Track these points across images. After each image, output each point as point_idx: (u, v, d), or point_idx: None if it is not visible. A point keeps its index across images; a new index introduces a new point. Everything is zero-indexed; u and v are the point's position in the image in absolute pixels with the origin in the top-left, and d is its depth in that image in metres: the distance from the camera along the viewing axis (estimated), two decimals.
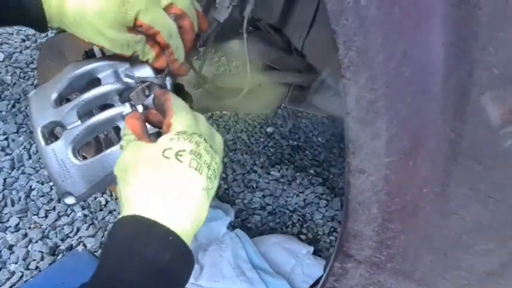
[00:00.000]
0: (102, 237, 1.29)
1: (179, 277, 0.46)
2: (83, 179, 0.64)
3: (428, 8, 0.33)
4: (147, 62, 0.69)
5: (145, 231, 0.44)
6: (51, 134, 0.68)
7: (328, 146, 1.83)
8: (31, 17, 0.59)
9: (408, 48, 0.34)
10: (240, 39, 1.23)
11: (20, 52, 1.81)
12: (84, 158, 0.97)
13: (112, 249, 0.45)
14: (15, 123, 1.51)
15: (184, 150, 0.48)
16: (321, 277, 1.28)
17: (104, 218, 1.34)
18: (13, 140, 1.46)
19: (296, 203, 1.56)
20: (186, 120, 0.53)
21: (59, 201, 1.35)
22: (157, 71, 0.70)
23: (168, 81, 0.73)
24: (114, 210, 1.36)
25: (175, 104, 0.56)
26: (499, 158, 0.36)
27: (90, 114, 0.75)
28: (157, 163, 0.47)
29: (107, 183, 0.66)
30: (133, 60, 0.72)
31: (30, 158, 1.44)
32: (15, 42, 1.84)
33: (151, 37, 0.65)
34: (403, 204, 0.42)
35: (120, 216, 0.47)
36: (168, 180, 0.47)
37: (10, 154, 1.43)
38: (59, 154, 0.64)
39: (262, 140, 1.78)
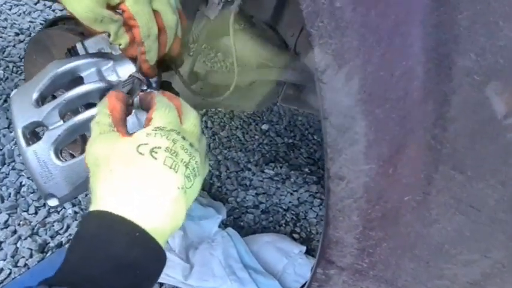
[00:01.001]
0: None
1: (147, 274, 0.45)
2: (65, 180, 0.63)
3: (406, 11, 0.31)
4: (128, 57, 0.68)
5: (111, 227, 0.43)
6: (34, 134, 0.66)
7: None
8: None
9: (386, 52, 0.32)
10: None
11: (14, 46, 1.79)
12: (72, 156, 0.96)
13: (77, 244, 0.44)
14: (7, 118, 1.50)
15: (159, 148, 0.46)
16: None
17: None
18: (4, 136, 1.45)
19: (290, 202, 1.55)
20: (166, 116, 0.51)
21: None
22: (141, 71, 0.68)
23: (154, 78, 0.72)
24: None
25: (159, 100, 0.54)
26: (480, 166, 0.34)
27: (76, 112, 0.74)
28: (131, 159, 0.46)
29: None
30: (117, 58, 0.70)
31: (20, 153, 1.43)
32: (9, 36, 1.82)
33: (128, 26, 0.62)
34: (383, 212, 0.41)
35: (88, 211, 0.46)
36: (141, 177, 0.45)
37: (1, 150, 1.42)
38: (41, 155, 0.62)
39: (257, 137, 1.77)
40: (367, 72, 0.33)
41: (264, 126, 1.82)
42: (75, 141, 0.87)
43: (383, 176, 0.38)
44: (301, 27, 1.09)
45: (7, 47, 1.78)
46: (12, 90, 1.79)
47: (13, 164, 1.39)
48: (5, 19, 1.92)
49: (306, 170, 1.69)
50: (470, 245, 0.40)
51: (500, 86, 0.32)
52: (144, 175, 0.45)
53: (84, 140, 0.97)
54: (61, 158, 0.64)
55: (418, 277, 0.46)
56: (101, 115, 0.53)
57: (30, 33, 1.87)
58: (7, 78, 1.65)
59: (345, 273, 0.52)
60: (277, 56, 1.29)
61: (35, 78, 0.68)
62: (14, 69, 1.69)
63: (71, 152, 0.94)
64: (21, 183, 1.35)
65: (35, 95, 0.66)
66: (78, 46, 0.74)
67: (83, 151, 0.87)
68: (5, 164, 1.38)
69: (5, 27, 1.87)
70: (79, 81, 0.69)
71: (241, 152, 1.67)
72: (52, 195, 0.64)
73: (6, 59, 1.72)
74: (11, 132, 1.46)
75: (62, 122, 0.65)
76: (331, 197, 0.41)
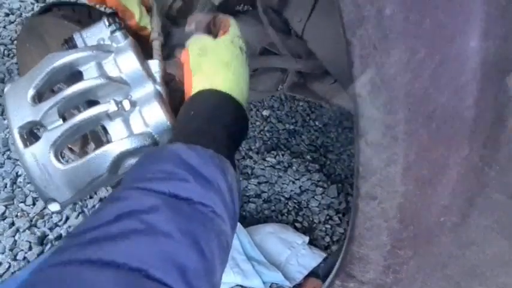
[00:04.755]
0: None
1: (244, 134, 0.61)
2: (67, 184, 0.59)
3: (466, 20, 0.27)
4: (131, 47, 0.65)
5: (224, 103, 0.57)
6: (31, 134, 0.62)
7: (325, 130, 1.79)
8: None
9: (438, 67, 0.29)
10: (235, 18, 1.15)
11: (4, 27, 1.71)
12: (71, 150, 0.92)
13: (196, 113, 0.55)
14: (0, 105, 1.44)
15: (242, 49, 0.65)
16: (316, 267, 1.27)
17: (94, 206, 1.30)
18: None
19: (292, 190, 1.53)
20: (238, 31, 0.67)
21: None
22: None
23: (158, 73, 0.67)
24: (105, 197, 1.32)
25: (232, 20, 0.69)
26: None
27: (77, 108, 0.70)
28: (230, 46, 0.63)
29: (94, 187, 0.61)
30: (118, 50, 0.65)
31: None
32: None
33: None
34: (416, 232, 0.38)
35: (197, 88, 0.59)
36: (236, 61, 0.62)
37: None
38: (40, 158, 0.58)
39: (258, 123, 1.73)
40: (414, 88, 0.29)
41: (265, 112, 1.78)
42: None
43: (420, 198, 0.35)
44: (309, 12, 1.03)
45: None
46: (3, 74, 1.72)
47: (8, 153, 1.34)
48: None
49: (308, 157, 1.66)
50: (508, 269, 0.37)
51: None
52: (237, 62, 0.62)
53: (84, 136, 0.92)
54: (62, 161, 0.60)
55: None
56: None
57: (21, 14, 1.79)
58: None
59: (365, 286, 0.50)
60: (281, 42, 1.23)
61: (31, 72, 0.64)
62: (6, 52, 1.62)
63: (70, 146, 0.89)
64: (17, 173, 1.31)
65: (31, 92, 0.61)
66: (76, 37, 0.68)
67: (82, 147, 0.83)
68: None
69: None
70: (78, 75, 0.65)
71: None
72: (53, 200, 0.61)
73: None
74: (4, 120, 1.41)
75: (61, 121, 0.61)
76: (359, 215, 0.38)
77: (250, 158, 1.58)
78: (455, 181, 0.34)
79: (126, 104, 0.61)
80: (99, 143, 0.73)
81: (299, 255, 1.28)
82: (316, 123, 1.81)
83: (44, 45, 0.81)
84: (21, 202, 1.26)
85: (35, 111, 0.60)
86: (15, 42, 1.66)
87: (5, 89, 0.64)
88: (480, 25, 0.27)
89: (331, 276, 0.52)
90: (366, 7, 0.27)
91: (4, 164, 1.32)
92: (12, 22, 1.75)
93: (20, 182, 1.30)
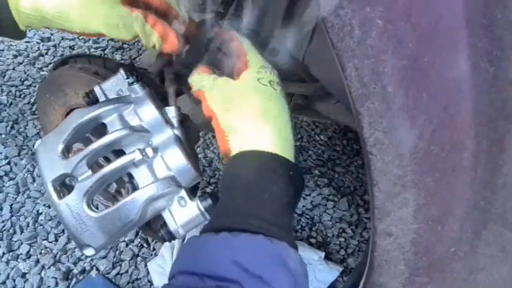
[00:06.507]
0: (113, 257, 1.29)
1: (295, 202, 0.49)
2: (100, 230, 0.63)
3: (457, 91, 0.32)
4: (149, 97, 0.67)
5: (270, 169, 0.47)
6: (63, 185, 0.67)
7: (331, 144, 1.83)
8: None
9: (437, 128, 0.33)
10: None
11: (13, 69, 1.78)
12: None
13: (239, 186, 0.47)
14: (16, 145, 1.50)
15: (273, 81, 0.53)
16: (333, 282, 1.31)
17: None
18: (16, 164, 1.45)
19: (304, 206, 1.56)
20: (259, 56, 0.57)
21: None
22: (160, 101, 0.69)
23: (174, 118, 0.72)
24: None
25: (244, 42, 0.58)
26: None
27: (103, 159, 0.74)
28: (258, 89, 0.51)
29: (125, 231, 0.66)
30: (137, 101, 0.70)
31: (34, 180, 1.43)
32: (7, 59, 1.81)
33: (149, 11, 0.60)
34: (430, 262, 0.42)
35: (236, 151, 0.49)
36: (273, 107, 0.50)
37: (14, 179, 1.42)
38: (74, 208, 0.63)
39: None
40: (418, 147, 0.34)
41: None
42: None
43: (431, 233, 0.39)
44: (309, 40, 1.08)
45: (7, 70, 1.77)
46: (17, 115, 1.78)
47: (28, 192, 1.39)
48: (1, 41, 1.89)
49: (316, 172, 1.70)
50: None
51: None
52: (272, 105, 0.50)
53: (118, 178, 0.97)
54: (94, 209, 0.64)
55: None
56: (203, 79, 0.57)
57: (28, 54, 1.86)
58: (11, 103, 1.64)
59: None
60: (284, 67, 1.28)
61: (58, 128, 0.69)
62: (17, 93, 1.68)
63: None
64: (38, 211, 1.36)
65: (60, 147, 0.67)
66: (96, 89, 0.74)
67: (118, 191, 0.88)
68: (19, 193, 1.39)
69: (2, 50, 1.85)
70: (102, 128, 0.70)
71: None
72: (88, 245, 0.65)
73: (8, 83, 1.71)
74: (21, 160, 1.46)
75: (90, 172, 0.66)
76: (377, 249, 0.42)
77: None
78: (462, 218, 0.38)
79: (149, 152, 0.66)
80: (121, 183, 0.77)
81: (316, 271, 1.32)
82: (321, 137, 1.85)
83: (64, 95, 0.87)
84: (44, 239, 1.30)
85: (66, 164, 0.65)
86: (25, 83, 1.73)
87: (35, 145, 0.69)
88: (471, 96, 0.32)
89: None
90: (371, 85, 0.31)
91: (25, 203, 1.37)
92: (21, 63, 1.82)
93: (42, 219, 1.35)
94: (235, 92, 0.52)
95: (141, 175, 0.66)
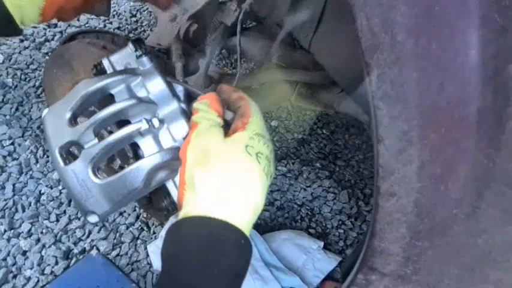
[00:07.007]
0: (114, 239, 1.30)
1: (244, 274, 0.47)
2: (105, 197, 0.64)
3: (466, 42, 0.32)
4: (157, 70, 0.68)
5: (219, 240, 0.44)
6: (68, 153, 0.67)
7: (333, 138, 1.83)
8: None
9: (444, 81, 0.34)
10: (242, 35, 1.21)
11: (19, 53, 1.79)
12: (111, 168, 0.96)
13: (185, 256, 0.45)
14: (20, 127, 1.50)
15: (262, 154, 0.50)
16: (331, 271, 1.31)
17: (114, 220, 1.35)
18: (19, 145, 1.46)
19: (304, 197, 1.57)
20: (261, 123, 0.54)
21: (69, 204, 1.36)
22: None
23: (181, 91, 0.73)
24: (125, 211, 1.37)
25: (252, 105, 0.56)
26: None
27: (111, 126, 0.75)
28: (241, 156, 0.48)
29: (129, 199, 0.67)
30: (145, 73, 0.71)
31: (37, 162, 1.44)
32: (14, 43, 1.82)
33: None
34: (432, 225, 0.43)
35: (188, 211, 0.46)
36: (246, 177, 0.48)
37: (17, 159, 1.43)
38: (79, 174, 0.64)
39: None
40: (425, 100, 0.35)
41: (274, 123, 1.83)
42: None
43: (434, 193, 0.40)
44: (315, 28, 1.09)
45: (13, 54, 1.78)
46: (22, 98, 1.79)
47: (30, 172, 1.40)
48: None
49: (317, 164, 1.71)
50: None
51: None
52: (249, 176, 0.48)
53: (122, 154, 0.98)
54: (99, 176, 0.65)
55: (461, 282, 0.48)
56: (205, 115, 0.56)
57: (34, 39, 1.87)
58: (16, 86, 1.65)
59: (387, 278, 0.54)
60: (288, 55, 1.29)
61: (66, 98, 0.69)
62: (22, 76, 1.69)
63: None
64: (40, 191, 1.37)
65: (68, 115, 0.67)
66: (105, 62, 0.74)
67: (109, 166, 0.89)
68: (22, 173, 1.40)
69: None
70: (109, 98, 0.71)
71: None
72: (92, 212, 0.66)
73: (13, 66, 1.72)
74: (25, 141, 1.47)
75: (96, 140, 0.67)
76: (380, 211, 0.43)
77: None
78: (465, 177, 0.39)
79: (156, 122, 0.66)
80: (125, 159, 0.78)
81: (315, 259, 1.32)
82: (324, 131, 1.86)
83: (71, 70, 0.87)
84: (46, 219, 1.31)
85: (73, 132, 0.66)
86: (30, 66, 1.74)
87: (43, 114, 0.70)
88: (478, 45, 0.32)
89: (353, 271, 0.57)
90: (381, 34, 0.32)
91: (27, 183, 1.38)
92: (27, 47, 1.83)
93: (43, 200, 1.35)
94: (217, 150, 0.49)
95: (146, 145, 0.67)
